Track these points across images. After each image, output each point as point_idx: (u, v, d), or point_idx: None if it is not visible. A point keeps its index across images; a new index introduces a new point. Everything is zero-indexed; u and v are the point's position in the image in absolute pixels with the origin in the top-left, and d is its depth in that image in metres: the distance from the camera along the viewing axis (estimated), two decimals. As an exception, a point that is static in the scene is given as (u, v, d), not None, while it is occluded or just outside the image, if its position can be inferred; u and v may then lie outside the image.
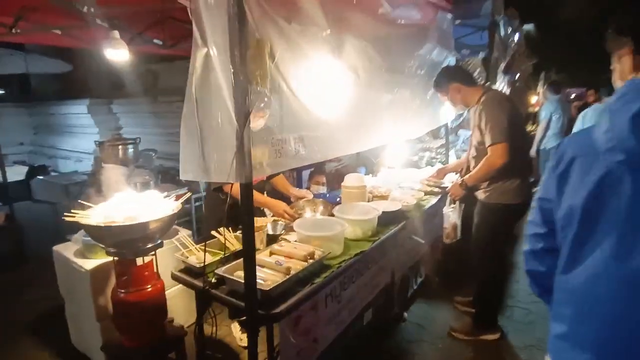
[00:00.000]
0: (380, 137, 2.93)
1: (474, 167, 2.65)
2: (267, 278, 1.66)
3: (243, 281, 1.53)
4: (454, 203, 2.78)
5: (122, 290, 2.16)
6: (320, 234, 2.02)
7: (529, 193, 2.58)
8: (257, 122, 2.32)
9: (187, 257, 1.96)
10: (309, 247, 1.94)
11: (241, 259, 1.84)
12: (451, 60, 3.39)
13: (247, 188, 1.42)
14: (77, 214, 1.97)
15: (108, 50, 2.52)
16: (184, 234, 2.91)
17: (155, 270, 2.09)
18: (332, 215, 2.37)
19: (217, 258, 1.97)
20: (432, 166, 3.94)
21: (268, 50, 1.43)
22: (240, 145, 1.37)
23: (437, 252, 3.20)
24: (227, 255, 1.97)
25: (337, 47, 1.83)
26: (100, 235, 1.98)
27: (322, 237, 2.02)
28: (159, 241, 2.15)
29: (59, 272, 2.60)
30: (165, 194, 2.35)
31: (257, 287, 1.57)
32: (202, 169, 1.47)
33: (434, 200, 3.10)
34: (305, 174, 6.00)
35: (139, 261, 2.04)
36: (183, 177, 1.49)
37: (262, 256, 1.84)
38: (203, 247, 2.04)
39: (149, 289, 2.06)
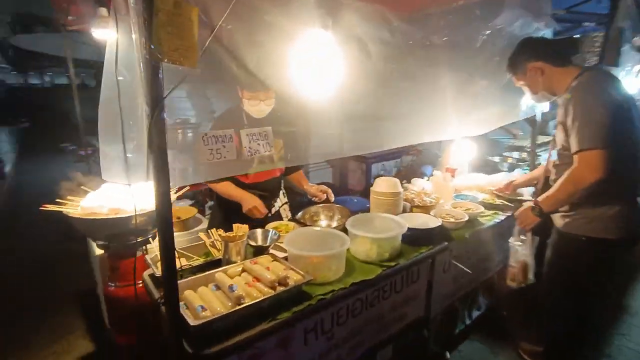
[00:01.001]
0: (427, 132, 2.36)
1: (554, 181, 1.90)
2: (212, 306, 1.34)
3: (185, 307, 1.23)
4: (524, 235, 2.04)
5: (111, 284, 2.09)
6: (308, 254, 1.61)
7: (635, 224, 1.75)
8: (259, 108, 1.99)
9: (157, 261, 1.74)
10: (284, 269, 1.56)
11: (207, 272, 1.58)
12: (546, 34, 2.55)
13: (163, 196, 1.10)
14: (66, 202, 1.92)
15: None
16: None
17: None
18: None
19: (195, 262, 1.72)
20: (511, 172, 3.13)
21: (194, 16, 1.07)
22: (151, 139, 1.05)
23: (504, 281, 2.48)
24: (203, 263, 1.71)
25: (329, 13, 1.37)
26: (85, 227, 1.91)
27: (311, 258, 1.61)
28: (150, 235, 2.01)
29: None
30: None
31: (192, 318, 1.27)
32: (124, 167, 1.20)
33: (501, 217, 2.40)
34: (376, 167, 5.50)
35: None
36: (105, 177, 1.24)
37: (224, 275, 1.52)
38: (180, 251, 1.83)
39: (140, 285, 1.91)
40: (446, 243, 2.05)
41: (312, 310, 1.49)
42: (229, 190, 2.21)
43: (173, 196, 2.06)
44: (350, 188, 5.53)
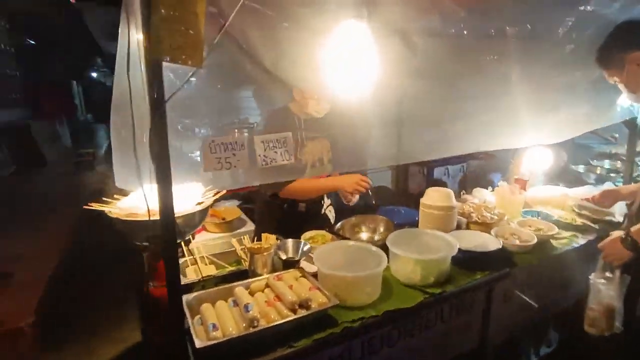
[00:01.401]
0: (494, 138, 2.05)
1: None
2: (224, 325, 1.23)
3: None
4: (610, 271, 1.65)
5: (150, 284, 2.10)
6: (336, 273, 1.44)
7: None
8: (320, 107, 1.90)
9: (187, 267, 1.69)
10: (310, 289, 1.41)
11: (229, 285, 1.48)
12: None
13: (165, 206, 1.01)
14: (106, 202, 1.96)
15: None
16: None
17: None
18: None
19: (219, 273, 1.65)
20: (600, 186, 2.64)
21: (202, 9, 0.95)
22: (153, 143, 0.96)
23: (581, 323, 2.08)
24: (228, 273, 1.62)
25: (364, 2, 1.18)
26: (123, 228, 1.92)
27: (341, 278, 1.44)
28: (186, 237, 1.98)
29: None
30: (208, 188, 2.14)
31: (203, 336, 1.17)
32: (136, 172, 1.13)
33: (580, 241, 2.00)
34: (438, 172, 5.10)
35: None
36: (118, 184, 1.19)
37: (243, 290, 1.41)
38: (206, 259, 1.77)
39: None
40: (508, 269, 1.74)
41: (337, 338, 1.32)
42: (311, 185, 2.04)
43: (210, 198, 2.03)
44: (411, 192, 5.20)
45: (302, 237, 1.90)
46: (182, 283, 1.55)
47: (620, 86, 1.64)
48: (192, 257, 1.74)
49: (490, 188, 2.50)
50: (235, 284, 1.46)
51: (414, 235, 1.77)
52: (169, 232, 1.03)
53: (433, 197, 1.91)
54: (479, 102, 2.22)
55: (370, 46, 1.22)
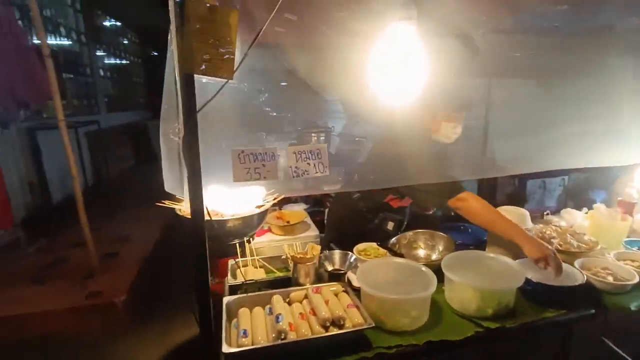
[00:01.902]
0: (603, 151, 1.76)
1: None
2: (255, 333, 1.24)
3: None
4: None
5: (212, 280, 2.22)
6: (377, 294, 1.34)
7: None
8: (453, 131, 1.79)
9: (237, 268, 1.75)
10: (348, 306, 1.34)
11: (269, 291, 1.49)
12: None
13: (197, 215, 1.05)
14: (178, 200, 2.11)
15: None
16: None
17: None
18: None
19: (265, 278, 1.67)
20: None
21: (234, 21, 0.96)
22: (187, 155, 1.01)
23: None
24: (272, 279, 1.64)
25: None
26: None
27: (380, 298, 1.34)
28: (244, 239, 2.06)
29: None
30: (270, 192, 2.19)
31: (229, 343, 1.19)
32: (179, 179, 1.20)
33: None
34: (532, 184, 4.51)
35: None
36: (167, 188, 1.27)
37: (280, 299, 1.40)
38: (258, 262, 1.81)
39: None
40: (593, 311, 1.45)
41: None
42: (492, 216, 1.65)
43: (270, 201, 2.08)
44: (499, 202, 4.69)
45: (355, 248, 1.84)
46: (229, 284, 1.62)
47: None
48: (244, 258, 1.79)
49: (585, 209, 2.13)
50: (274, 291, 1.47)
51: (476, 258, 1.57)
52: (198, 234, 1.06)
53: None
54: (581, 108, 1.92)
55: (422, 48, 1.10)
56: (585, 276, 1.48)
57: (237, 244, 1.95)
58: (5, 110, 3.78)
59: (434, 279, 1.41)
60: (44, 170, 4.59)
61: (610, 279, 1.53)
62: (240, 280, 1.64)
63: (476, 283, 1.40)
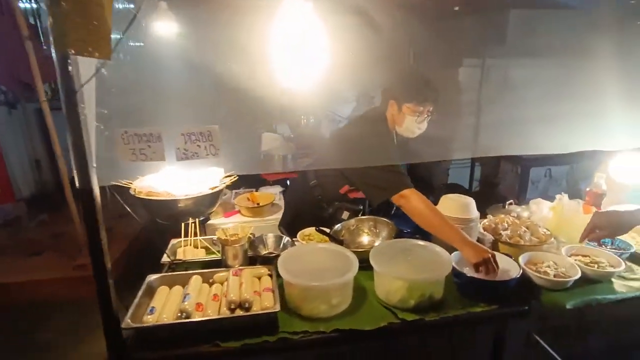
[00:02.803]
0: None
1: None
2: (162, 311, 1.25)
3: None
4: None
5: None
6: (290, 279, 1.32)
7: None
8: (422, 126, 1.75)
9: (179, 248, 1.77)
10: (264, 290, 1.33)
11: (192, 272, 1.49)
12: None
13: (87, 195, 1.05)
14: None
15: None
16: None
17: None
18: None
19: (201, 258, 1.68)
20: None
21: (107, 1, 0.94)
22: (71, 134, 1.01)
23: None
24: (205, 260, 1.64)
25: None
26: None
27: (294, 285, 1.32)
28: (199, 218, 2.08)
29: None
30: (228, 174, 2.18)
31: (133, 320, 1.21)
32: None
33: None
34: (537, 172, 4.26)
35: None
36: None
37: (198, 279, 1.41)
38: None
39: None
40: (527, 307, 1.37)
41: (271, 347, 1.23)
42: (435, 219, 1.54)
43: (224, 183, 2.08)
44: (502, 195, 4.51)
45: (300, 233, 1.82)
46: (161, 262, 1.65)
47: None
48: (186, 239, 1.80)
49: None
50: (199, 271, 1.48)
51: (407, 247, 1.51)
52: (87, 208, 1.06)
53: (448, 206, 1.61)
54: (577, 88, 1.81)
55: (321, 27, 1.04)
56: (520, 271, 1.40)
57: (192, 224, 1.97)
58: (11, 91, 3.95)
59: (354, 266, 1.38)
60: (52, 150, 4.78)
61: (551, 274, 1.43)
62: (174, 259, 1.67)
63: (396, 273, 1.35)
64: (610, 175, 1.95)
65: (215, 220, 2.56)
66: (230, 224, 2.52)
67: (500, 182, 4.57)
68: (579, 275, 1.41)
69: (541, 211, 1.89)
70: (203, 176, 2.08)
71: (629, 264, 1.58)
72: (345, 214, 1.98)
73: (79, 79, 0.99)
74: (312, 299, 1.32)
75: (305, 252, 1.53)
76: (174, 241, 1.81)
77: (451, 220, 1.57)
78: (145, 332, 1.19)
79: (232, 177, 2.18)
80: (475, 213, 1.59)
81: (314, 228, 1.82)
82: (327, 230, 1.76)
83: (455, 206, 1.57)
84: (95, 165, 1.05)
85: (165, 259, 1.67)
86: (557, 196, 1.83)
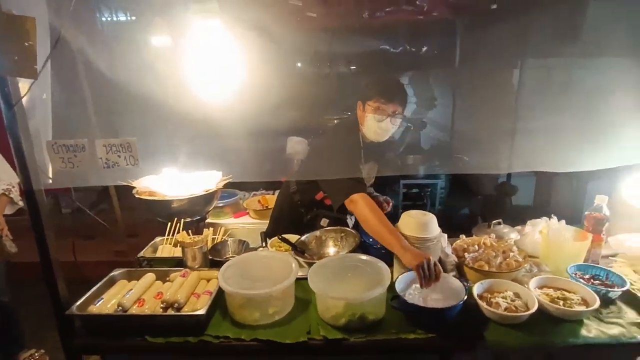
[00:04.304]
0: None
1: None
2: (107, 301, 1.39)
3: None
4: None
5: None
6: (225, 286, 1.36)
7: None
8: (383, 125, 1.70)
9: (160, 245, 1.92)
10: (203, 293, 1.41)
11: (152, 269, 1.61)
12: None
13: (31, 197, 1.21)
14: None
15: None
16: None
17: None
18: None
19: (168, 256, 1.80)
20: None
21: (31, 26, 1.08)
22: (13, 143, 1.18)
23: None
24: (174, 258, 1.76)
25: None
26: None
27: (228, 292, 1.36)
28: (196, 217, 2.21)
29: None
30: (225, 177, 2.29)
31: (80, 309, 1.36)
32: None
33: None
34: (594, 186, 3.69)
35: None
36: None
37: (150, 277, 1.52)
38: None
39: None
40: (470, 341, 1.25)
41: (194, 348, 1.28)
42: (378, 224, 1.50)
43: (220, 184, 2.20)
44: (554, 209, 4.01)
45: (271, 241, 1.85)
46: (139, 256, 1.81)
47: None
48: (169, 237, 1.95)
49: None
50: (157, 269, 1.60)
51: (353, 263, 1.47)
52: (31, 206, 1.22)
53: (405, 223, 1.52)
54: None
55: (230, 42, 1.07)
56: (463, 298, 1.27)
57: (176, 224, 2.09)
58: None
59: (292, 275, 1.38)
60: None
61: (502, 307, 1.28)
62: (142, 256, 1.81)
63: (327, 292, 1.32)
64: (623, 198, 1.66)
65: (224, 220, 2.69)
66: (239, 225, 2.67)
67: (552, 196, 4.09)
68: (533, 310, 1.24)
69: (534, 234, 1.69)
70: (202, 179, 2.23)
71: (619, 304, 1.35)
72: (325, 221, 1.97)
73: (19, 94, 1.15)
74: (244, 306, 1.36)
75: (253, 259, 1.56)
76: (157, 239, 1.96)
77: (409, 239, 1.48)
78: (85, 320, 1.34)
79: (226, 180, 2.30)
80: (435, 232, 1.47)
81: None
82: (291, 240, 1.77)
83: (413, 223, 1.48)
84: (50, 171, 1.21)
85: (143, 254, 1.83)
86: (544, 218, 1.61)
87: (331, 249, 1.77)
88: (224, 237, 1.83)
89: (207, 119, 1.45)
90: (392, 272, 1.46)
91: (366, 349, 1.27)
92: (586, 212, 1.57)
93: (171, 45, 1.15)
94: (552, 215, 1.65)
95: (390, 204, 2.04)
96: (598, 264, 1.54)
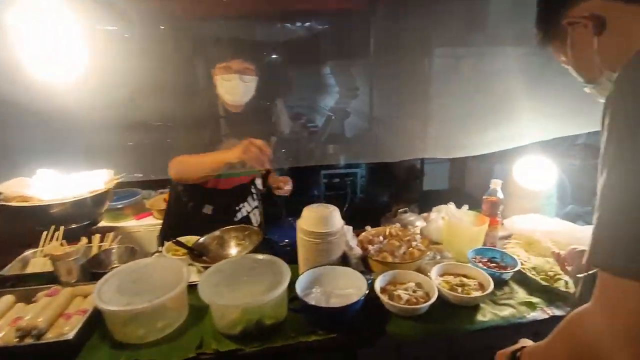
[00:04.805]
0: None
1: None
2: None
3: None
4: None
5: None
6: (100, 305, 1.16)
7: None
8: (233, 85, 1.67)
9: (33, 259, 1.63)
10: (77, 312, 1.20)
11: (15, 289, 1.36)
12: None
13: None
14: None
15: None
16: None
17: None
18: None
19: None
20: None
21: None
22: None
23: None
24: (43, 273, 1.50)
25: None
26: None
27: (103, 310, 1.17)
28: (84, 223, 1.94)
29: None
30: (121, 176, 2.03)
31: None
32: None
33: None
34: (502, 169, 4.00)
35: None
36: None
37: (9, 298, 1.28)
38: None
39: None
40: (370, 338, 1.20)
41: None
42: (192, 159, 1.64)
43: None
44: (468, 192, 4.27)
45: (165, 247, 1.66)
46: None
47: (569, 67, 0.90)
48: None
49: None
50: (15, 289, 1.34)
51: (249, 264, 1.35)
52: None
53: (305, 218, 1.43)
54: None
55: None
56: (364, 294, 1.22)
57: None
58: None
59: (179, 286, 1.22)
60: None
61: (404, 299, 1.25)
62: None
63: (214, 298, 1.19)
64: (515, 180, 1.74)
65: (124, 223, 2.42)
66: (142, 227, 2.41)
67: (466, 179, 4.34)
68: (432, 300, 1.23)
69: (437, 221, 1.70)
70: (85, 179, 1.96)
71: (511, 284, 1.40)
72: (209, 208, 1.86)
73: None
74: (126, 323, 1.18)
75: (140, 268, 1.37)
76: (28, 252, 1.67)
77: (307, 234, 1.40)
78: None
79: (117, 179, 2.04)
80: (337, 226, 1.41)
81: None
82: (192, 241, 1.61)
83: (313, 218, 1.39)
84: None
85: (7, 271, 1.55)
86: (441, 206, 1.64)
87: (233, 250, 1.64)
88: (112, 244, 1.61)
89: (73, 111, 1.23)
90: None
91: (263, 357, 1.17)
92: (483, 197, 1.61)
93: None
94: (466, 199, 1.67)
95: (289, 182, 2.01)
96: (496, 246, 1.59)
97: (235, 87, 1.65)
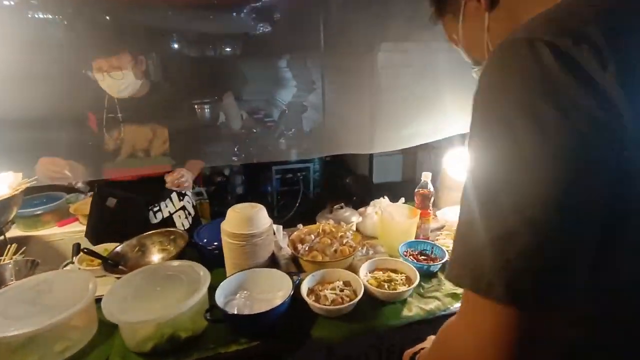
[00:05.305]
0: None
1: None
2: None
3: None
4: None
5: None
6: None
7: None
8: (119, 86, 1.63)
9: None
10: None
11: None
12: None
13: None
14: None
15: None
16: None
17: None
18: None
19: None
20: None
21: None
22: None
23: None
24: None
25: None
26: None
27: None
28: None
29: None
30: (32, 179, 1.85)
31: None
32: None
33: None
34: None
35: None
36: None
37: None
38: None
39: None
40: (295, 342, 1.14)
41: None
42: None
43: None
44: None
45: (78, 258, 1.51)
46: None
47: (458, 48, 0.86)
48: None
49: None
50: None
51: (164, 272, 1.25)
52: None
53: (230, 219, 1.35)
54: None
55: None
56: (288, 296, 1.16)
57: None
58: None
59: (79, 303, 1.11)
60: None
61: (330, 299, 1.20)
62: None
63: (116, 315, 1.07)
64: (447, 172, 1.75)
65: (43, 232, 2.19)
66: (65, 235, 2.22)
67: (417, 170, 4.40)
68: (358, 298, 1.19)
69: (373, 215, 1.67)
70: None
71: (439, 276, 1.39)
72: (112, 201, 1.77)
73: None
74: (16, 350, 1.05)
75: (39, 284, 1.23)
76: None
77: (232, 236, 1.32)
78: None
79: (27, 183, 1.86)
80: (263, 226, 1.33)
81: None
82: (110, 248, 1.48)
83: (237, 219, 1.31)
84: None
85: None
86: (381, 200, 1.61)
87: (156, 257, 1.52)
88: (13, 257, 1.45)
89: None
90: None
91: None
92: (417, 189, 1.59)
93: None
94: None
95: (183, 175, 1.79)
96: (428, 238, 1.58)
97: (111, 88, 1.65)
